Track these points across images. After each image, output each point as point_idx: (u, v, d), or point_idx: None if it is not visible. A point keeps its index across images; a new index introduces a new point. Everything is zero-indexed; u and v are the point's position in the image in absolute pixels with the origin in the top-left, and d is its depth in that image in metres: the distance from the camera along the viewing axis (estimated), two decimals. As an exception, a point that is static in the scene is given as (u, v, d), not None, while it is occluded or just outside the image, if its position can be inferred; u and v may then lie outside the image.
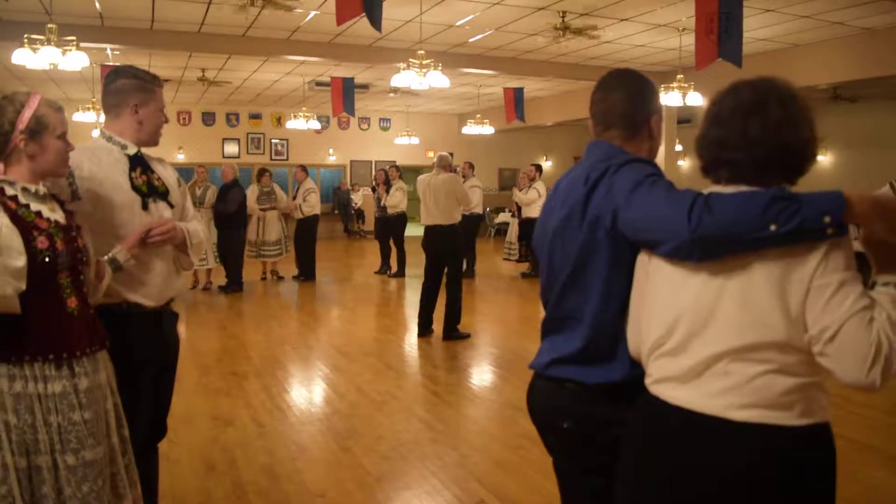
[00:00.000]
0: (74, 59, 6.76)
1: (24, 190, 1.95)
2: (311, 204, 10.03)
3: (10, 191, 1.93)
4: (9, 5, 7.34)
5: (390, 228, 10.81)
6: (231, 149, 16.97)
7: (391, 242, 10.90)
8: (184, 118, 16.45)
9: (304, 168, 10.45)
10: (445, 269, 6.67)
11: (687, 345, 1.43)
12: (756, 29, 8.34)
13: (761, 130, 1.43)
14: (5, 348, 1.86)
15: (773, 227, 1.29)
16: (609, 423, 1.68)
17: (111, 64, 9.72)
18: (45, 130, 1.95)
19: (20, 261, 1.83)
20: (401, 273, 10.71)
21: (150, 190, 2.38)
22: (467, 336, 6.62)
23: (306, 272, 10.16)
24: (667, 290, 1.49)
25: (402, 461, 3.74)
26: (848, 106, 13.10)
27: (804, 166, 1.46)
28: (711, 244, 1.36)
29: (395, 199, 10.50)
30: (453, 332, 6.58)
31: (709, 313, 1.41)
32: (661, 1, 7.50)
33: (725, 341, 1.38)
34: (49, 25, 6.57)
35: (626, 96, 1.80)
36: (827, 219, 1.27)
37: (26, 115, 1.92)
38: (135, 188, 2.34)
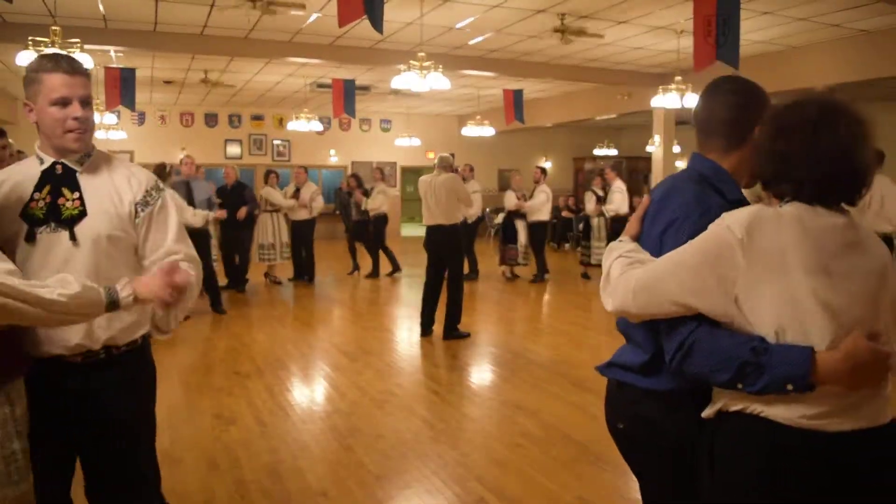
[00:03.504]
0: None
1: None
2: (320, 205, 10.16)
3: None
4: (13, 7, 7.39)
5: (364, 231, 10.90)
6: (233, 150, 17.03)
7: (359, 245, 10.99)
8: (186, 119, 16.52)
9: (305, 169, 10.53)
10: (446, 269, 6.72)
11: None
12: (754, 31, 8.39)
13: (830, 148, 1.43)
14: None
15: (739, 386, 1.42)
16: (655, 426, 1.71)
17: (115, 66, 9.79)
18: None
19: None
20: (375, 274, 10.77)
21: (47, 215, 1.90)
22: (467, 336, 6.67)
23: (311, 274, 10.20)
24: None
25: (403, 460, 3.79)
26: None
27: (863, 190, 1.48)
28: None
29: (377, 202, 10.57)
30: (453, 332, 6.63)
31: None
32: (660, 3, 7.55)
33: None
34: (53, 27, 6.61)
35: (728, 104, 1.70)
36: (790, 387, 1.38)
37: None
38: (25, 213, 1.89)
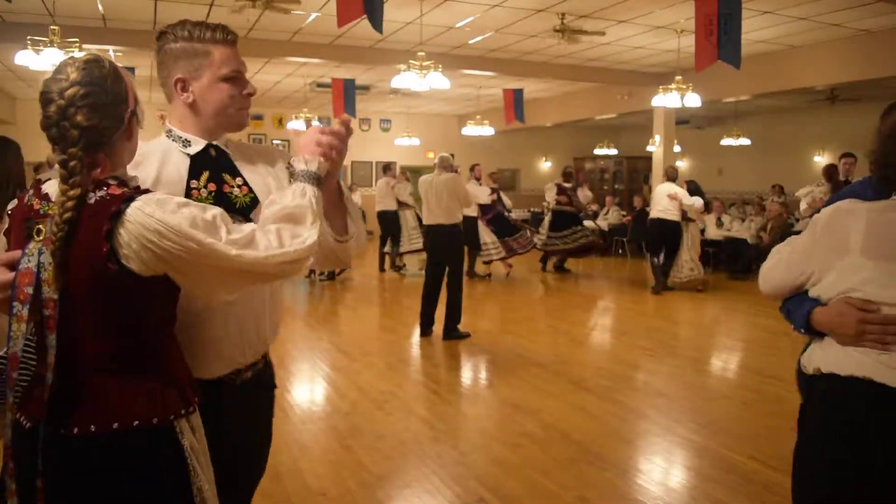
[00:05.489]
0: (77, 61, 6.81)
1: None
2: None
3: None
4: (12, 6, 7.39)
5: None
6: (232, 149, 17.03)
7: None
8: (185, 119, 16.51)
9: None
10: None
11: None
12: (754, 31, 8.39)
13: None
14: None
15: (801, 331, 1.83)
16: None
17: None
18: (139, 107, 1.50)
19: None
20: (331, 276, 10.53)
21: (217, 205, 1.55)
22: (467, 335, 6.66)
23: None
24: None
25: (403, 460, 3.79)
26: (845, 107, 13.15)
27: None
28: None
29: None
30: (453, 332, 6.63)
31: None
32: (660, 3, 7.54)
33: None
34: (52, 27, 6.62)
35: None
36: (802, 330, 1.80)
37: (132, 87, 1.47)
38: None
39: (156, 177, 1.62)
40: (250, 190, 1.69)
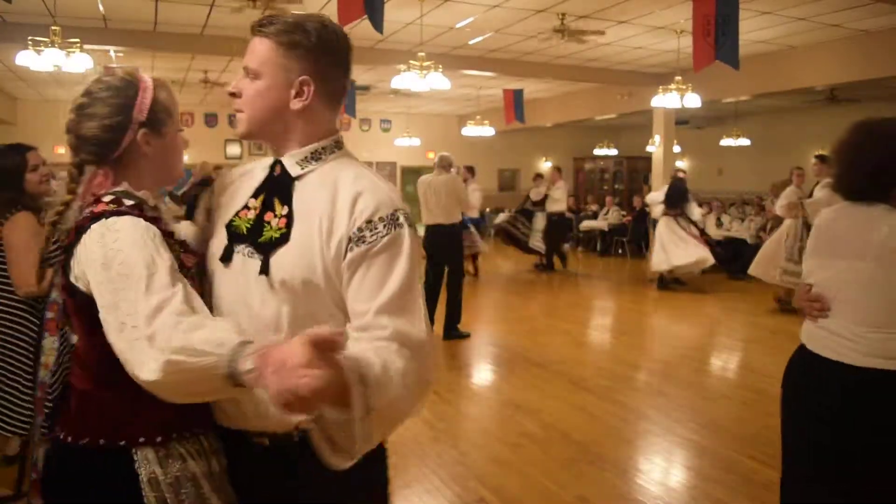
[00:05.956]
0: (78, 61, 6.81)
1: (156, 209, 1.43)
2: None
3: (150, 209, 1.41)
4: (13, 7, 7.39)
5: None
6: (233, 150, 17.04)
7: None
8: (186, 119, 16.49)
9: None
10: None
11: None
12: (753, 31, 8.40)
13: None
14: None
15: None
16: None
17: (115, 66, 9.79)
18: (170, 124, 1.45)
19: None
20: None
21: (251, 231, 1.37)
22: (467, 335, 6.67)
23: None
24: None
25: (402, 459, 3.79)
26: (844, 107, 13.15)
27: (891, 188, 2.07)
28: None
29: None
30: (453, 332, 6.63)
31: None
32: (660, 3, 7.55)
33: None
34: (53, 27, 6.62)
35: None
36: None
37: (146, 103, 1.42)
38: (231, 224, 1.41)
39: (237, 187, 1.50)
40: (288, 224, 1.35)
